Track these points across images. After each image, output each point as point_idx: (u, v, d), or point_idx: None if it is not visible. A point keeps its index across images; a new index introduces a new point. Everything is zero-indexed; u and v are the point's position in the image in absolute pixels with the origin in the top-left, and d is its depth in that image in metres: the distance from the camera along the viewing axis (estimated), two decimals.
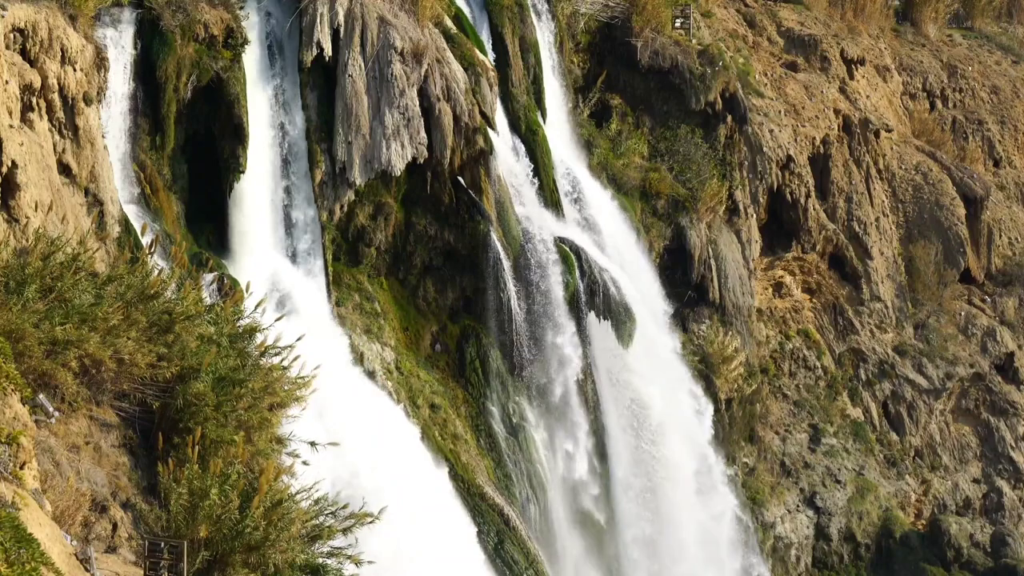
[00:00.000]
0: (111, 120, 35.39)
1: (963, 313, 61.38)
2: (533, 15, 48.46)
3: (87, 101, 32.68)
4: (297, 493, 21.67)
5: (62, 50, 31.69)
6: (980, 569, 55.42)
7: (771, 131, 55.09)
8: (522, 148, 46.25)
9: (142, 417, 22.86)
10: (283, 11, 40.36)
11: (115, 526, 20.57)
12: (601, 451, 45.10)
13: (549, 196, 46.27)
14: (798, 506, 53.46)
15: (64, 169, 31.85)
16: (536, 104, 47.34)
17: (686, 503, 47.08)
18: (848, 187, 58.81)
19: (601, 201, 48.65)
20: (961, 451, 58.89)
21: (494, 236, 42.57)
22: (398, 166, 40.71)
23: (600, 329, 44.63)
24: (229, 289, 34.34)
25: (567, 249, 44.43)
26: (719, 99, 52.42)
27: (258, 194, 39.14)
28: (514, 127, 46.26)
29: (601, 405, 45.01)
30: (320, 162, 40.08)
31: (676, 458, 46.90)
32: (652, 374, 46.49)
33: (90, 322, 21.68)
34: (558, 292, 43.70)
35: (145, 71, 36.70)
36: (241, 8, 39.03)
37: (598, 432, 44.98)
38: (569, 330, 43.89)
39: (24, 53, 30.86)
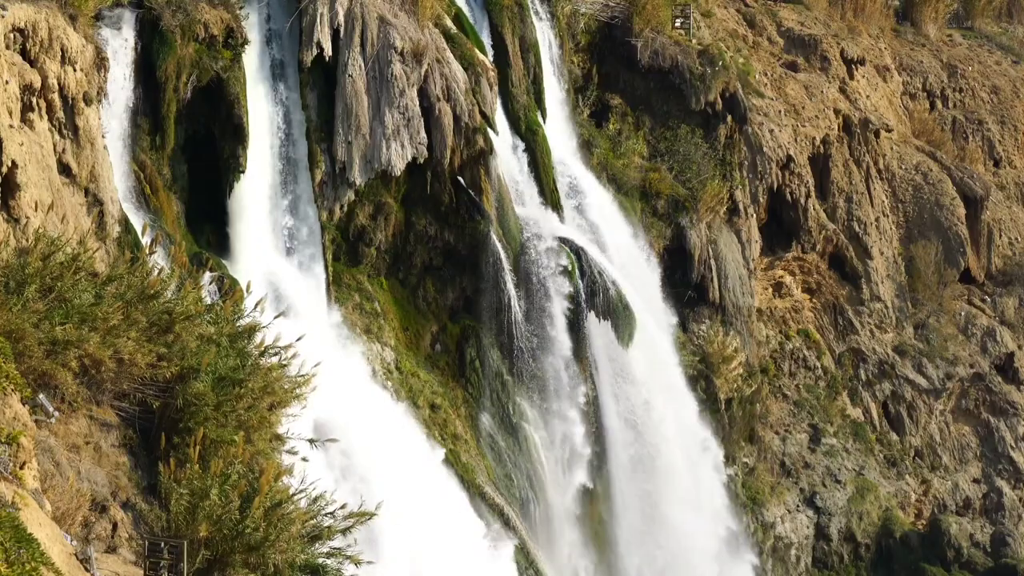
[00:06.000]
0: (111, 120, 35.38)
1: (963, 313, 61.38)
2: (533, 15, 48.46)
3: (87, 101, 32.66)
4: (295, 494, 21.66)
5: (62, 50, 31.67)
6: (980, 569, 55.41)
7: (771, 131, 55.09)
8: (522, 148, 46.26)
9: (142, 417, 22.85)
10: (283, 11, 40.35)
11: (115, 526, 20.56)
12: (601, 450, 45.10)
13: (549, 196, 46.28)
14: (798, 506, 53.46)
15: (64, 169, 31.84)
16: (536, 104, 47.34)
17: (685, 501, 47.09)
18: (848, 187, 58.81)
19: (601, 201, 48.66)
20: (961, 451, 58.89)
21: (494, 236, 42.58)
22: (398, 166, 40.72)
23: (600, 329, 44.63)
24: (229, 289, 34.33)
25: (567, 249, 44.44)
26: (719, 99, 52.41)
27: (258, 194, 39.13)
28: (514, 127, 46.26)
29: (601, 405, 45.01)
30: (320, 162, 40.08)
31: (674, 457, 46.91)
32: (652, 374, 46.50)
33: (90, 322, 21.67)
34: (558, 292, 43.71)
35: (145, 71, 36.69)
36: (241, 8, 39.02)
37: (598, 432, 44.97)
38: (569, 330, 43.90)
39: (24, 53, 30.85)
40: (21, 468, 17.74)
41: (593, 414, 44.84)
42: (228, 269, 36.78)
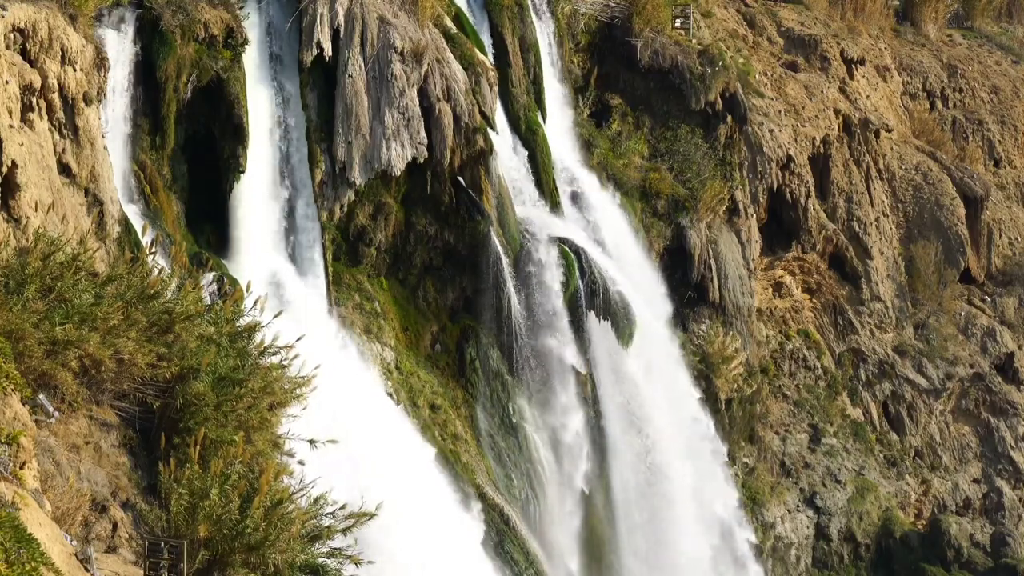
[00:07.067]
0: (111, 120, 35.39)
1: (963, 313, 61.38)
2: (533, 15, 48.47)
3: (87, 101, 32.67)
4: (295, 493, 21.66)
5: (62, 50, 31.67)
6: (980, 569, 55.42)
7: (771, 131, 55.08)
8: (522, 148, 46.27)
9: (142, 417, 22.85)
10: (283, 11, 40.36)
11: (115, 526, 20.56)
12: (601, 451, 45.10)
13: (549, 196, 46.29)
14: (798, 506, 53.46)
15: (64, 169, 31.85)
16: (536, 104, 47.35)
17: (685, 499, 47.08)
18: (848, 187, 58.80)
19: (601, 201, 48.67)
20: (961, 451, 58.89)
21: (494, 236, 42.58)
22: (398, 166, 40.73)
23: (600, 329, 44.62)
24: (229, 289, 34.35)
25: (567, 249, 44.43)
26: (719, 99, 52.40)
27: (258, 194, 39.15)
28: (514, 127, 46.26)
29: (601, 405, 45.00)
30: (320, 162, 40.09)
31: (675, 456, 46.90)
32: (652, 374, 46.48)
33: (90, 322, 21.66)
34: (558, 292, 43.71)
35: (145, 71, 36.70)
36: (241, 8, 39.04)
37: (598, 432, 44.97)
38: (569, 330, 43.89)
39: (24, 53, 30.85)
40: (21, 468, 17.74)
41: (593, 414, 44.83)
42: (228, 269, 36.79)
